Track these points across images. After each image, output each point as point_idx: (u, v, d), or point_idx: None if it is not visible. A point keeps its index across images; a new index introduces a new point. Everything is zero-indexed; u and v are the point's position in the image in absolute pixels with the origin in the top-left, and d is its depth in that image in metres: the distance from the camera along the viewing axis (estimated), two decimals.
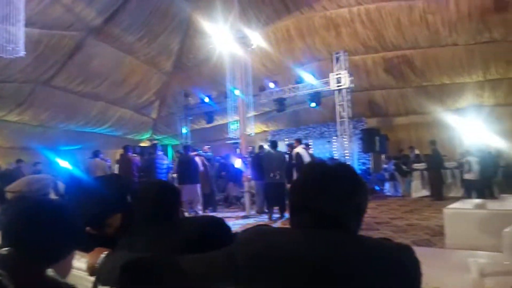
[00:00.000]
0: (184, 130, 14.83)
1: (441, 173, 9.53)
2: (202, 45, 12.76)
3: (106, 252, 1.36)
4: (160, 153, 8.55)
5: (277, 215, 7.90)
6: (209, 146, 11.32)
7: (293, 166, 7.79)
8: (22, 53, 6.73)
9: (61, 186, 10.02)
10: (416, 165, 10.40)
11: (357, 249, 0.92)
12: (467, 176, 8.82)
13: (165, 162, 8.58)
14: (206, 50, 12.50)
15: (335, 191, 0.98)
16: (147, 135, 17.49)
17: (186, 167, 8.09)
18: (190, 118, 15.02)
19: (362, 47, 12.08)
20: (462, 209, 4.70)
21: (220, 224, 1.44)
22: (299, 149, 7.97)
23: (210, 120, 14.31)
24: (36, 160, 11.80)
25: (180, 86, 15.10)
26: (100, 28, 11.29)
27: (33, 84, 11.56)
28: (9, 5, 6.51)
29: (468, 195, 8.42)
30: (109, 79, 12.96)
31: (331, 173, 1.02)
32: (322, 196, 0.98)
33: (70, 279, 1.17)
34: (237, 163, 9.50)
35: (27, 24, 6.90)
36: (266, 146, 9.74)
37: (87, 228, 1.47)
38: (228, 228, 1.43)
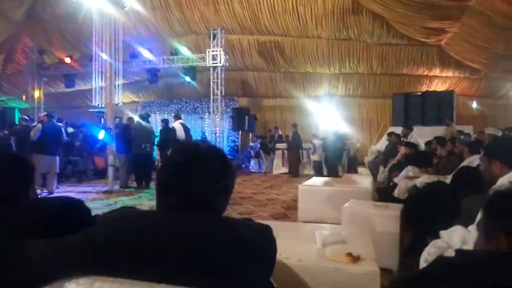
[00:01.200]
0: (36, 93, 12.84)
1: (299, 153, 10.56)
2: None
3: None
4: None
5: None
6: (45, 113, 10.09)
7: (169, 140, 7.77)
8: None
9: None
10: (278, 145, 11.29)
11: (222, 231, 0.93)
12: (313, 157, 10.08)
13: None
14: (69, 3, 10.96)
15: (202, 172, 0.98)
16: None
17: (49, 136, 7.10)
18: (45, 79, 13.07)
19: (238, 27, 12.33)
20: (312, 186, 5.33)
21: (78, 206, 1.30)
22: (176, 124, 7.89)
23: (70, 84, 12.74)
24: None
25: (32, 41, 12.97)
26: None
27: None
28: None
29: (315, 174, 9.58)
30: None
31: (199, 155, 1.01)
32: (190, 177, 0.97)
33: None
34: (101, 134, 8.75)
35: None
36: (136, 118, 9.27)
37: None
38: (87, 210, 1.30)
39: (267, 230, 1.01)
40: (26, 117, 9.15)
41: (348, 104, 13.51)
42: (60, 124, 8.18)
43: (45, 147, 7.00)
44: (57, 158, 7.30)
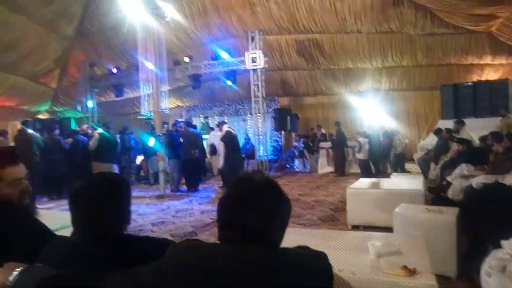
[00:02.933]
0: (89, 103, 13.69)
1: (344, 151, 10.43)
2: (109, 12, 11.76)
3: (20, 268, 1.24)
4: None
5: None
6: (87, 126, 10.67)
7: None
8: None
9: None
10: (322, 144, 11.21)
11: (280, 263, 1.01)
12: (358, 156, 9.87)
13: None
14: (114, 18, 11.55)
15: (260, 208, 1.04)
16: (45, 107, 15.77)
17: (106, 144, 7.65)
18: (96, 90, 13.91)
19: (276, 28, 12.34)
20: (360, 188, 5.27)
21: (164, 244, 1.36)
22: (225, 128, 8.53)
23: (119, 93, 13.41)
24: None
25: (84, 55, 13.80)
26: None
27: None
28: None
29: (362, 173, 9.41)
30: None
31: (256, 190, 1.07)
32: (247, 214, 1.03)
33: None
34: (151, 141, 9.17)
35: None
36: (182, 123, 9.67)
37: None
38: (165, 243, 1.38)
39: (323, 258, 1.08)
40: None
41: (393, 98, 13.10)
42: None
43: (102, 156, 7.50)
44: (115, 166, 7.77)
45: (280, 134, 13.28)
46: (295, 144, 12.45)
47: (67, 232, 1.52)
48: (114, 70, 13.05)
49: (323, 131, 12.40)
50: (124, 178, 1.44)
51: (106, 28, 13.02)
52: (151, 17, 9.33)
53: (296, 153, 12.12)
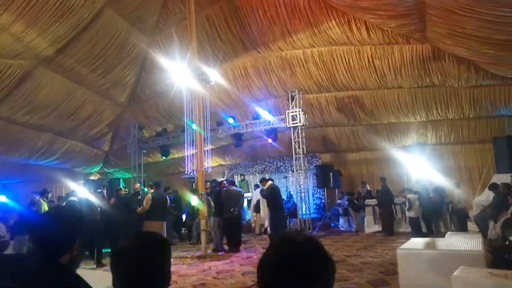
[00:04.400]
0: (137, 164, 14.35)
1: (391, 209, 9.92)
2: (159, 80, 12.69)
3: None
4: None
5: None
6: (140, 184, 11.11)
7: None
8: None
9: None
10: (368, 201, 10.77)
11: None
12: (409, 214, 9.26)
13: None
14: (163, 84, 12.43)
15: (302, 272, 0.98)
16: (97, 168, 16.70)
17: (158, 203, 7.93)
18: (144, 151, 14.63)
19: (315, 87, 12.63)
20: (413, 249, 4.88)
21: None
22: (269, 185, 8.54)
23: (165, 154, 14.00)
24: None
25: (134, 119, 14.76)
26: (52, 58, 10.86)
27: None
28: None
29: (413, 232, 8.81)
30: (58, 110, 12.34)
31: (298, 252, 1.02)
32: (289, 278, 0.97)
33: None
34: (194, 200, 9.29)
35: None
36: (223, 182, 9.79)
37: None
38: None
39: None
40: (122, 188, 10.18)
41: (441, 152, 12.56)
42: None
43: (155, 214, 7.72)
44: (165, 223, 7.94)
45: (323, 191, 12.98)
46: (339, 201, 12.06)
47: None
48: (161, 133, 13.79)
49: (368, 187, 11.98)
50: (166, 238, 1.44)
51: (155, 94, 13.99)
52: (197, 83, 9.92)
53: (341, 211, 11.69)
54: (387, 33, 10.27)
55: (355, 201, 11.39)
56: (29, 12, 8.89)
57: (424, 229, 9.07)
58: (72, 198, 8.18)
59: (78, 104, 12.72)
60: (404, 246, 5.05)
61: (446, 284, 3.38)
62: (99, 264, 7.61)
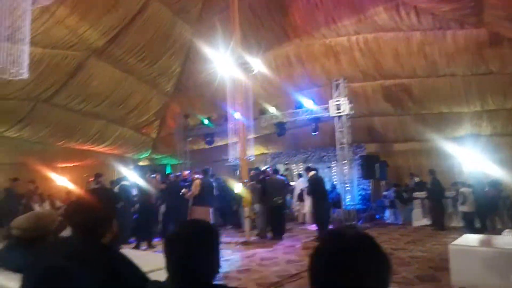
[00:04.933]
0: (183, 151, 14.80)
1: (442, 203, 9.50)
2: (203, 69, 12.87)
3: None
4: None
5: None
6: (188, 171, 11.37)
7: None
8: (25, 75, 6.72)
9: (60, 206, 9.87)
10: (416, 193, 10.37)
11: None
12: (462, 208, 8.81)
13: None
14: (207, 73, 12.60)
15: (356, 268, 0.95)
16: (146, 154, 17.41)
17: (206, 189, 8.24)
18: (190, 139, 15.02)
19: (361, 75, 12.24)
20: (467, 246, 4.66)
21: None
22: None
23: (209, 142, 14.35)
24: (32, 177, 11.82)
25: (180, 107, 15.15)
26: (102, 49, 11.36)
27: (34, 102, 11.54)
28: (13, 26, 6.54)
29: (466, 227, 8.39)
30: (109, 98, 12.96)
31: (351, 247, 0.99)
32: (343, 272, 0.95)
33: None
34: (237, 187, 9.44)
35: (30, 43, 6.91)
36: (266, 170, 9.88)
37: None
38: None
39: None
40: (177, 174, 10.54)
41: (497, 144, 11.77)
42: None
43: (203, 200, 7.98)
44: (211, 209, 8.19)
45: (368, 182, 12.66)
46: (385, 193, 11.73)
47: (158, 275, 1.59)
48: (206, 121, 14.08)
49: (417, 179, 11.51)
50: (214, 226, 1.47)
51: (199, 83, 14.24)
52: (240, 72, 9.98)
53: (387, 203, 11.36)
54: (438, 18, 9.68)
55: (403, 193, 11.01)
56: (82, 5, 9.35)
57: (478, 225, 8.61)
58: (124, 183, 8.60)
59: (127, 93, 13.27)
60: (457, 242, 4.83)
61: (505, 285, 3.19)
62: (150, 247, 7.97)
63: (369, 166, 11.35)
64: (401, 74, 11.75)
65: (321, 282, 0.99)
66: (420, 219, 10.10)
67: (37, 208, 9.87)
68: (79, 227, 1.63)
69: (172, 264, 1.33)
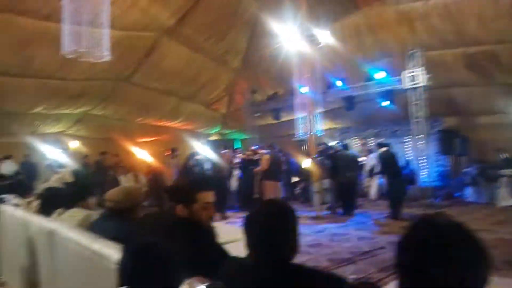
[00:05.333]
0: (251, 125, 15.09)
1: None
2: (269, 44, 12.78)
3: (205, 284, 1.34)
4: None
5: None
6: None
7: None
8: (107, 57, 7.25)
9: (141, 178, 10.75)
10: (504, 171, 9.48)
11: None
12: None
13: None
14: (273, 48, 12.50)
15: (449, 258, 0.89)
16: (216, 129, 18.11)
17: (274, 164, 8.46)
18: (257, 114, 15.22)
19: (439, 42, 11.21)
20: None
21: (335, 281, 1.35)
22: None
23: (277, 117, 14.41)
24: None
25: (247, 83, 15.34)
26: (173, 28, 11.80)
27: (114, 82, 12.49)
28: (94, 11, 7.03)
29: None
30: (181, 76, 13.55)
31: (443, 236, 0.93)
32: (434, 263, 0.89)
33: None
34: (306, 162, 9.42)
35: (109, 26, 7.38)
36: (336, 145, 9.72)
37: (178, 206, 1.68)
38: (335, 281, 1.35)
39: None
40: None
41: None
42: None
43: (272, 174, 8.18)
44: (280, 183, 8.38)
45: (447, 158, 11.81)
46: (466, 170, 10.87)
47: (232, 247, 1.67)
48: (273, 96, 14.14)
49: (506, 155, 10.43)
50: (292, 207, 1.49)
51: (265, 58, 14.21)
52: (306, 45, 9.74)
53: (468, 181, 10.55)
54: None
55: (488, 171, 10.12)
56: None
57: None
58: (198, 157, 9.07)
59: (197, 71, 13.74)
60: None
61: None
62: (224, 217, 8.38)
63: (448, 141, 10.58)
64: (486, 40, 10.52)
65: (410, 269, 0.95)
66: (507, 199, 9.24)
67: (122, 179, 10.84)
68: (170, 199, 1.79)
69: (252, 242, 1.38)
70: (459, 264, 0.89)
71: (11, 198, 4.72)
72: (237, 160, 9.93)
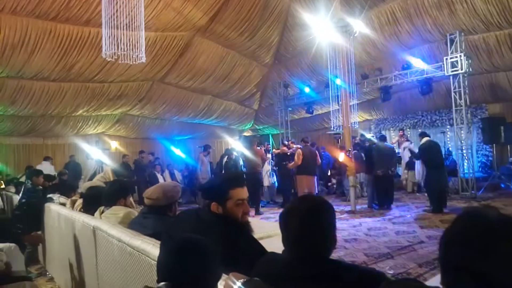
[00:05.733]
0: (284, 120, 15.03)
1: None
2: (301, 37, 12.64)
3: (242, 279, 1.29)
4: None
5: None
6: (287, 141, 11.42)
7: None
8: (143, 59, 7.47)
9: (177, 175, 11.08)
10: None
11: None
12: None
13: None
14: (305, 41, 12.35)
15: (502, 256, 0.84)
16: (249, 126, 18.19)
17: (308, 158, 8.43)
18: (290, 108, 15.13)
19: (482, 25, 10.61)
20: None
21: (373, 277, 1.31)
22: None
23: (309, 110, 14.25)
24: (154, 150, 13.35)
25: (279, 77, 15.27)
26: (205, 27, 11.94)
27: (151, 82, 12.84)
28: (130, 15, 7.26)
29: None
30: (214, 74, 13.70)
31: (495, 231, 0.87)
32: (484, 260, 0.85)
33: None
34: (341, 156, 9.28)
35: (144, 28, 7.60)
36: (372, 138, 9.47)
37: (213, 204, 1.72)
38: (374, 276, 1.32)
39: None
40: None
41: None
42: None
43: (306, 169, 8.13)
44: (315, 178, 8.31)
45: (491, 147, 11.23)
46: None
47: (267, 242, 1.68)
48: (306, 90, 13.96)
49: None
50: (329, 202, 1.48)
51: (297, 51, 14.07)
52: (340, 35, 9.53)
53: None
54: None
55: None
56: None
57: None
58: (233, 154, 9.18)
59: (230, 68, 13.84)
60: None
61: None
62: (258, 213, 8.46)
63: (492, 130, 10.04)
64: None
65: (456, 265, 0.90)
66: None
67: (159, 176, 11.19)
68: (206, 196, 1.85)
69: (288, 238, 1.39)
70: (511, 260, 0.85)
71: (57, 197, 4.99)
72: (270, 155, 9.96)
